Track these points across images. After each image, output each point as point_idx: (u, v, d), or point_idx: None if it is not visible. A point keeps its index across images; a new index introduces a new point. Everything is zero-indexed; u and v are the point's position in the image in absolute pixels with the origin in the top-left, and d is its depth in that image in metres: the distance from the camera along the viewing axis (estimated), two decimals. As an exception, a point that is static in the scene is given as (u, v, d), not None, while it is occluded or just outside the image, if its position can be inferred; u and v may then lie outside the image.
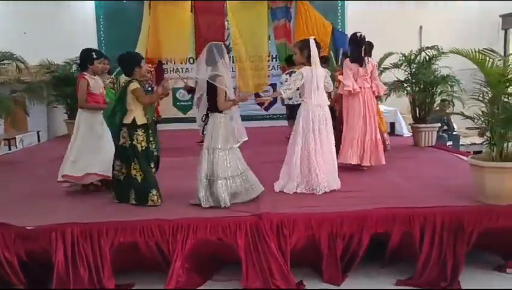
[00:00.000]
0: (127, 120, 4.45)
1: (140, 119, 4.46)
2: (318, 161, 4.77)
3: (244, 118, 8.40)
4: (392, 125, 8.93)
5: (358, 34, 5.76)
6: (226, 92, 4.34)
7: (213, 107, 4.39)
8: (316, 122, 4.79)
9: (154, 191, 4.45)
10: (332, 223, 3.91)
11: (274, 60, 10.84)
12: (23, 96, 7.83)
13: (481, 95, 4.10)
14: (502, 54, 9.56)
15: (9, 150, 8.63)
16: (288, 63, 8.65)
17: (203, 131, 4.53)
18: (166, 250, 3.82)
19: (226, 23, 10.47)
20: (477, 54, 4.08)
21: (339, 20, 10.80)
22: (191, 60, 10.74)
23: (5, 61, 7.70)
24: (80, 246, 3.74)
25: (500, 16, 9.72)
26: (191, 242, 3.82)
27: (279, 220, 3.89)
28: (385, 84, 8.03)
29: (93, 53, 5.13)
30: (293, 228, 3.89)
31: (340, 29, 10.64)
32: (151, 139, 4.53)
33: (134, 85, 4.44)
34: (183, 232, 3.83)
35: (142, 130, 4.46)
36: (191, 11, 10.39)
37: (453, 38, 9.92)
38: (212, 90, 4.36)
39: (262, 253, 3.81)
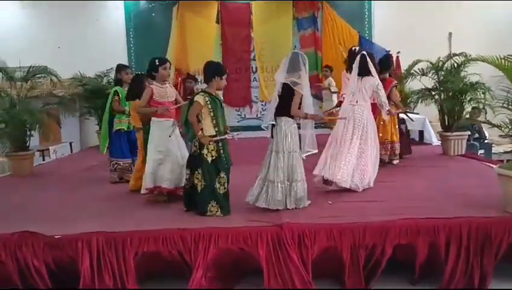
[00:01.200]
0: None
1: (209, 131, 4.43)
2: (334, 157, 5.14)
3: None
4: (421, 133, 8.78)
5: (353, 48, 6.08)
6: (300, 100, 4.46)
7: (287, 111, 4.49)
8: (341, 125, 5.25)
9: (213, 203, 4.44)
10: (354, 233, 3.87)
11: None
12: (57, 109, 8.09)
13: (508, 102, 3.99)
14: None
15: (43, 160, 8.94)
16: None
17: (271, 134, 4.58)
18: (189, 259, 3.86)
19: (252, 34, 10.60)
20: (502, 60, 3.98)
21: (366, 28, 10.73)
22: (218, 71, 10.86)
23: (39, 75, 8.01)
24: (105, 255, 3.84)
25: (533, 20, 9.46)
26: (213, 251, 3.85)
27: (300, 230, 3.88)
28: (412, 92, 8.00)
29: (156, 60, 5.01)
30: (315, 238, 3.87)
31: (367, 37, 10.59)
32: (221, 149, 4.48)
33: (198, 98, 4.41)
34: (205, 241, 3.86)
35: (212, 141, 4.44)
36: (217, 22, 10.60)
37: (484, 43, 9.73)
38: (288, 95, 4.45)
39: (284, 263, 3.80)
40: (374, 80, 5.25)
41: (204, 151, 4.40)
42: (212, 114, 4.43)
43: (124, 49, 10.85)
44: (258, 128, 9.92)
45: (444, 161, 6.83)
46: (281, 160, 4.45)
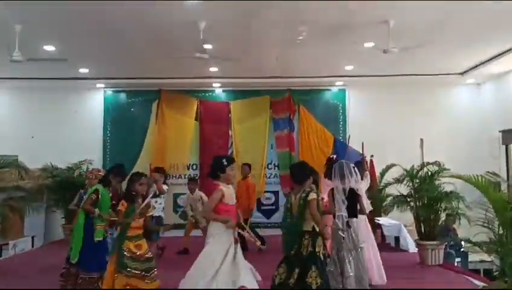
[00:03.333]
0: (308, 227, 4.57)
1: (316, 227, 4.58)
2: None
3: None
4: (397, 239, 8.63)
5: (331, 157, 6.66)
6: None
7: (354, 213, 4.93)
8: None
9: None
10: None
11: (276, 167, 10.88)
12: (21, 202, 7.72)
13: (488, 222, 3.94)
14: (505, 168, 9.64)
15: (0, 256, 8.33)
16: None
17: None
18: None
19: (230, 132, 10.74)
20: (479, 178, 3.98)
21: (341, 131, 10.99)
22: (194, 167, 10.80)
23: (7, 168, 7.74)
24: None
25: (499, 131, 9.84)
26: None
27: None
28: (388, 196, 8.02)
29: (224, 160, 4.67)
30: None
31: (341, 140, 10.82)
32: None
33: (312, 195, 4.58)
34: None
35: (321, 238, 4.58)
36: (196, 120, 10.72)
37: (454, 150, 10.06)
38: (353, 198, 4.94)
39: None
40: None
41: (317, 249, 4.52)
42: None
43: (100, 142, 10.73)
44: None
45: (422, 273, 6.62)
46: (355, 256, 4.82)
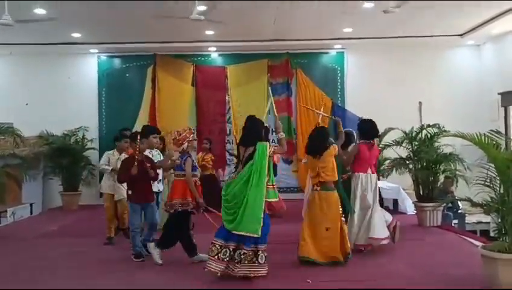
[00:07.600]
0: None
1: None
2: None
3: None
4: (395, 202, 8.67)
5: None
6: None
7: None
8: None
9: None
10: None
11: (273, 133, 10.78)
12: (18, 169, 7.66)
13: (490, 181, 3.90)
14: (503, 131, 9.59)
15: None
16: None
17: None
18: None
19: (226, 97, 10.60)
20: (482, 137, 3.92)
21: (339, 95, 10.85)
22: (191, 132, 10.69)
23: (3, 135, 7.64)
24: None
25: (498, 93, 9.74)
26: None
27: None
28: (386, 159, 8.00)
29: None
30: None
31: (339, 104, 10.71)
32: None
33: None
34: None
35: None
36: (192, 85, 10.56)
37: (453, 113, 9.98)
38: None
39: None
40: None
41: None
42: None
43: (95, 109, 10.57)
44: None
45: (420, 233, 6.67)
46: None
